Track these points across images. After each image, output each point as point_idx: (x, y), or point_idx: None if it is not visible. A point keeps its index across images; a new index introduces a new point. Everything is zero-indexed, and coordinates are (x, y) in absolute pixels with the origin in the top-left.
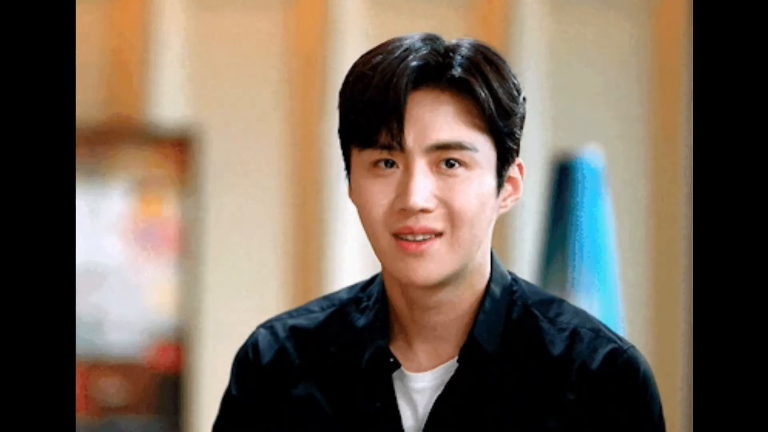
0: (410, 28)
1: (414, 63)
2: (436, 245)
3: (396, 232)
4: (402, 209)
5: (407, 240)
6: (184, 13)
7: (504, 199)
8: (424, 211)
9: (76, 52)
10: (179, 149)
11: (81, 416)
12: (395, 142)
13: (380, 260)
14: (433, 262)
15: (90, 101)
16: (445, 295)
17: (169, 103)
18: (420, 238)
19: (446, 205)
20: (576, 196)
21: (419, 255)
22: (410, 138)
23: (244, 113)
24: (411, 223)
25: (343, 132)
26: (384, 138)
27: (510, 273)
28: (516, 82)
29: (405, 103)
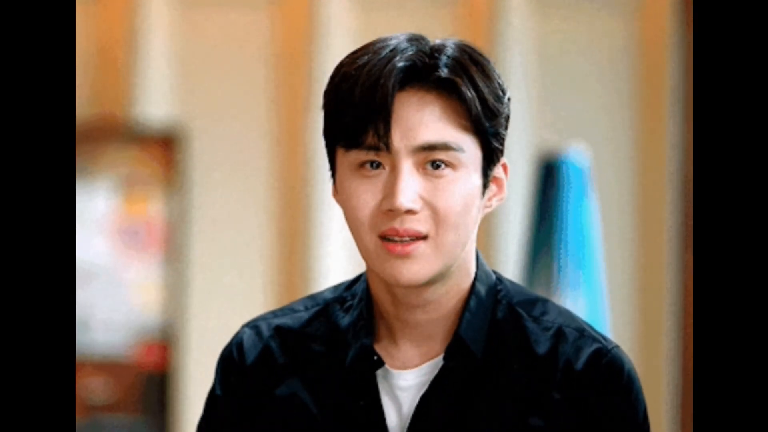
0: (395, 26)
1: (401, 64)
2: (422, 248)
3: (381, 234)
4: (388, 210)
5: (393, 241)
6: (169, 12)
7: (489, 199)
8: (410, 212)
9: None
10: (165, 148)
11: None
12: (382, 142)
13: (365, 260)
14: (418, 264)
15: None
16: (430, 294)
17: (155, 102)
18: (406, 239)
19: (432, 206)
20: (561, 194)
21: (405, 256)
22: (397, 138)
23: (229, 112)
24: (397, 224)
25: (328, 132)
26: (370, 139)
27: (495, 272)
28: (501, 82)
29: (392, 103)
